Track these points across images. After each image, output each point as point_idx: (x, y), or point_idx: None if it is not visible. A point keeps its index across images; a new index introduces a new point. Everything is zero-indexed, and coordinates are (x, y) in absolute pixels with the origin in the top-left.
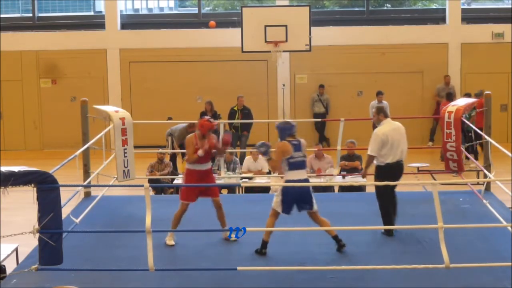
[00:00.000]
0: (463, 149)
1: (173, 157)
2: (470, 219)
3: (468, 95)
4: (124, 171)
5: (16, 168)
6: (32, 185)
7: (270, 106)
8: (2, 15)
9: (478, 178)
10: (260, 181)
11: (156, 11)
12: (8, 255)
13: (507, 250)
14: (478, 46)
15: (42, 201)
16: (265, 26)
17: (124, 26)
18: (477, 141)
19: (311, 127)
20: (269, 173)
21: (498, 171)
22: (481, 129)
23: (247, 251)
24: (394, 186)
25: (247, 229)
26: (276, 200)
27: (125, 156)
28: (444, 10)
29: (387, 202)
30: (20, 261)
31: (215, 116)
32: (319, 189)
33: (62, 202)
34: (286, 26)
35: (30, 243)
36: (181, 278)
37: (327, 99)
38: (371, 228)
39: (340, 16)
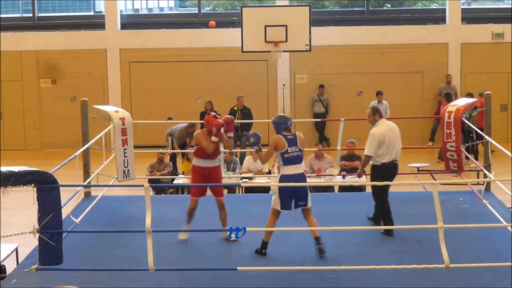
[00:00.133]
0: (463, 149)
1: (173, 157)
2: (470, 219)
3: (470, 95)
4: (124, 171)
5: (16, 168)
6: (32, 185)
7: (270, 106)
8: (2, 15)
9: (478, 178)
10: (260, 181)
11: (156, 11)
12: (8, 255)
13: (507, 250)
14: (478, 46)
15: (42, 201)
16: (265, 26)
17: (124, 26)
18: (477, 141)
19: (311, 127)
20: (269, 173)
21: (498, 171)
22: (481, 129)
23: (247, 251)
24: (389, 186)
25: (247, 229)
26: (273, 198)
27: (125, 156)
28: (444, 10)
29: (384, 201)
30: (20, 261)
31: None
32: (319, 189)
33: (62, 202)
34: (286, 26)
35: (30, 243)
36: (181, 278)
37: (327, 99)
38: (371, 228)
39: (340, 16)
